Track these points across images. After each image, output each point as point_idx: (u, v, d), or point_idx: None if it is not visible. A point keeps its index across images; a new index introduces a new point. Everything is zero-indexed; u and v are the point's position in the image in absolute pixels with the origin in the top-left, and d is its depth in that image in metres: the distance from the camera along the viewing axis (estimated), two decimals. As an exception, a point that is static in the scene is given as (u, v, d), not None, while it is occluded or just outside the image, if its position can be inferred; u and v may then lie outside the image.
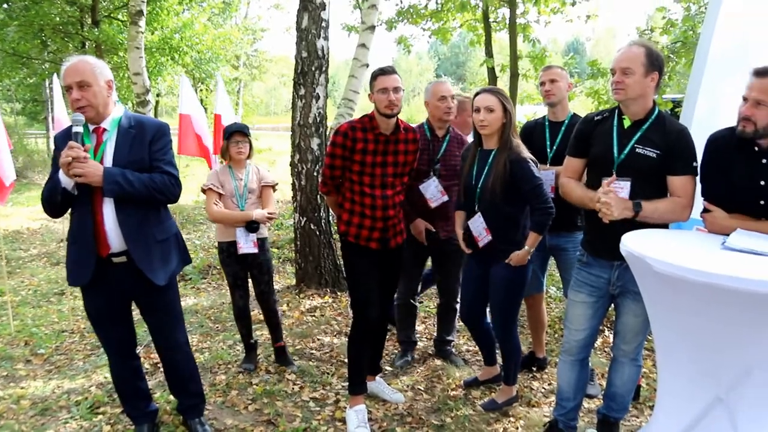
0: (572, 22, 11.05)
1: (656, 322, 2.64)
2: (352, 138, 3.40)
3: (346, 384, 3.75)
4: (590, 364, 4.01)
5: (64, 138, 2.96)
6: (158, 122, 3.16)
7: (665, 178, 2.85)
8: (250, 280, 4.35)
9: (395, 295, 4.20)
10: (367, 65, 7.32)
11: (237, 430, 3.55)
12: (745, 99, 2.63)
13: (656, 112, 2.91)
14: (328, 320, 5.49)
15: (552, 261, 4.22)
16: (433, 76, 63.93)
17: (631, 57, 2.82)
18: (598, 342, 4.77)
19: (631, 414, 3.68)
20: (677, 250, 2.46)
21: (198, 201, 12.11)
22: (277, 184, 4.33)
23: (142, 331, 4.16)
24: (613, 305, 3.15)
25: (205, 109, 15.85)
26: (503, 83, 11.65)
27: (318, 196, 6.12)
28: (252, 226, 4.09)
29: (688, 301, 2.31)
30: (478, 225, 3.53)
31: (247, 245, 4.10)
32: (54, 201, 2.93)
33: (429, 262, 4.70)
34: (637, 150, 2.87)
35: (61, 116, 7.08)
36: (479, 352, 4.38)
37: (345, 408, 3.70)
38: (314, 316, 5.63)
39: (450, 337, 4.59)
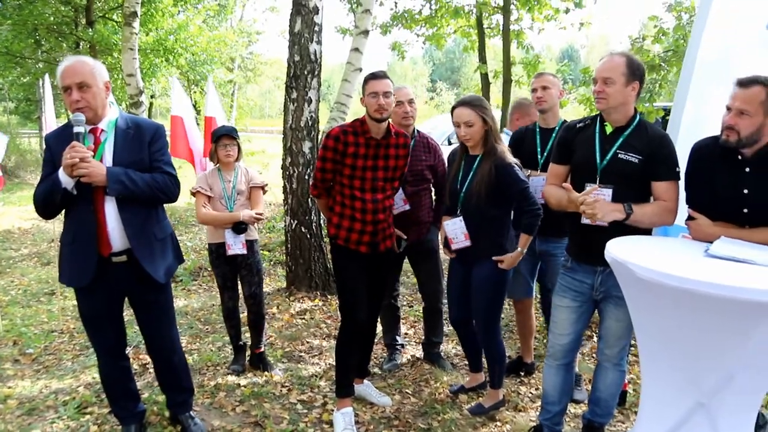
0: (566, 29, 11.13)
1: (639, 328, 2.67)
2: (343, 142, 3.42)
3: (335, 387, 3.77)
4: (578, 370, 4.07)
5: (57, 138, 2.98)
6: (155, 123, 3.22)
7: (646, 184, 2.91)
8: (240, 283, 4.37)
9: None
10: (361, 69, 7.34)
11: (224, 431, 3.56)
12: (728, 108, 2.67)
13: (637, 118, 2.96)
14: (318, 323, 5.50)
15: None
16: (428, 81, 64.15)
17: (612, 67, 2.87)
18: (587, 348, 4.80)
19: (616, 419, 3.71)
20: (660, 256, 2.50)
21: (190, 203, 12.06)
22: (266, 185, 4.36)
23: (131, 332, 4.17)
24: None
25: (198, 111, 15.86)
26: (497, 89, 11.70)
27: (309, 200, 6.14)
28: (239, 227, 4.11)
29: (669, 307, 2.33)
30: (455, 228, 3.60)
31: (236, 246, 4.14)
32: (52, 201, 2.93)
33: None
34: (619, 155, 2.92)
35: (51, 116, 7.07)
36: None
37: (332, 411, 3.71)
38: (304, 318, 5.64)
39: (437, 339, 4.60)
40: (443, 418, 3.74)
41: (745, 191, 2.70)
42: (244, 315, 4.52)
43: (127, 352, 3.42)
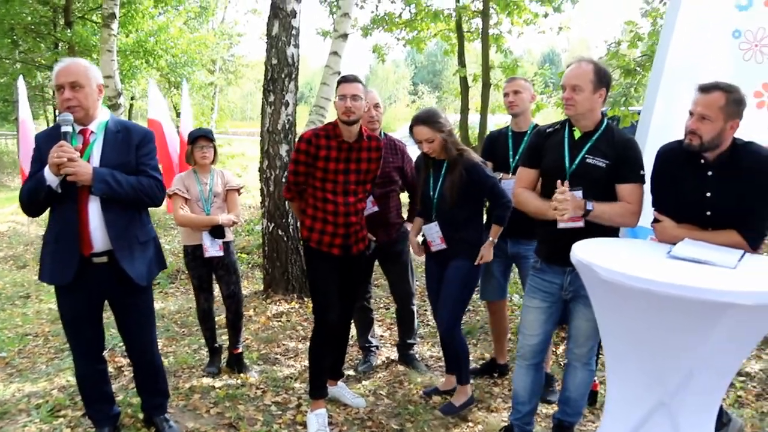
0: (545, 33, 11.23)
1: (604, 328, 2.72)
2: (315, 145, 3.45)
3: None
4: (551, 371, 4.11)
5: (46, 138, 3.04)
6: (144, 128, 3.31)
7: (613, 188, 2.96)
8: (216, 285, 4.38)
9: None
10: (339, 73, 7.36)
11: (197, 433, 3.57)
12: (691, 113, 2.74)
13: (605, 123, 3.03)
14: (294, 325, 5.51)
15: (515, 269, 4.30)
16: (410, 85, 64.35)
17: (580, 74, 2.92)
18: (561, 350, 4.85)
19: (587, 419, 3.75)
20: (624, 258, 2.55)
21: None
22: (242, 187, 4.37)
23: (107, 334, 4.14)
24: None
25: (179, 114, 15.79)
26: (476, 92, 11.79)
27: (286, 203, 6.14)
28: (217, 231, 4.12)
29: (632, 307, 2.39)
30: (433, 232, 3.73)
31: (213, 248, 4.15)
32: (36, 199, 2.98)
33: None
34: (587, 160, 2.97)
35: (26, 117, 7.03)
36: (441, 359, 4.44)
37: (306, 412, 3.72)
38: (280, 321, 5.65)
39: (411, 341, 4.63)
40: (416, 419, 3.76)
41: (708, 194, 2.77)
42: (219, 317, 4.52)
43: (104, 354, 3.42)
